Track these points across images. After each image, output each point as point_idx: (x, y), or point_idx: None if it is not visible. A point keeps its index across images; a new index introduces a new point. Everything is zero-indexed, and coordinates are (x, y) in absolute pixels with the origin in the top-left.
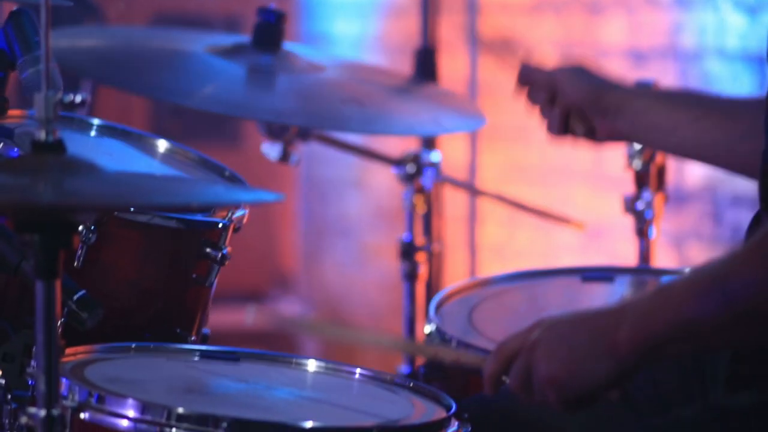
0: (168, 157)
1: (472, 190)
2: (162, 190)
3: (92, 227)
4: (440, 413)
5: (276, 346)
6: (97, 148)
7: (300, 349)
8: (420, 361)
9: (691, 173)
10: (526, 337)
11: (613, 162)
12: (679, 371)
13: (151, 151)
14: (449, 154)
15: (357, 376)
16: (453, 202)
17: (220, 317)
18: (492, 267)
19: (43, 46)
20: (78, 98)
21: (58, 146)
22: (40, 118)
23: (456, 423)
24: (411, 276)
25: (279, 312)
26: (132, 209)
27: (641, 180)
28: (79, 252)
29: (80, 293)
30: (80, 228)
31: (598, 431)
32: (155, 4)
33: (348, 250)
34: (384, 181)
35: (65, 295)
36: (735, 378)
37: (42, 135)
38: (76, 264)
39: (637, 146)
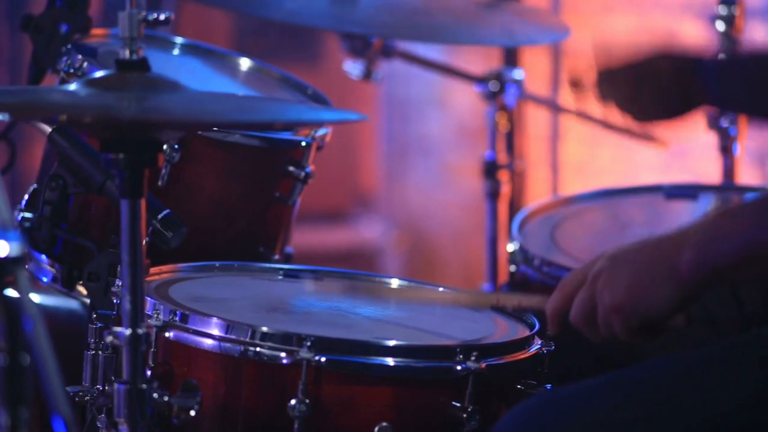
0: (251, 76)
1: (554, 107)
2: (245, 109)
3: (176, 146)
4: (523, 332)
5: (357, 266)
6: (180, 67)
7: (381, 269)
8: (503, 279)
9: None
10: (588, 269)
11: None
12: (764, 292)
13: (233, 69)
14: (532, 71)
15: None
16: (535, 120)
17: (302, 237)
18: (574, 185)
19: None
20: (162, 16)
21: (142, 65)
22: (123, 36)
23: (539, 341)
24: (494, 195)
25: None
26: (215, 128)
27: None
28: (163, 171)
29: (165, 212)
30: (164, 147)
31: (677, 347)
32: None
33: (429, 170)
34: (465, 99)
35: (150, 214)
36: None
37: (126, 53)
38: (160, 183)
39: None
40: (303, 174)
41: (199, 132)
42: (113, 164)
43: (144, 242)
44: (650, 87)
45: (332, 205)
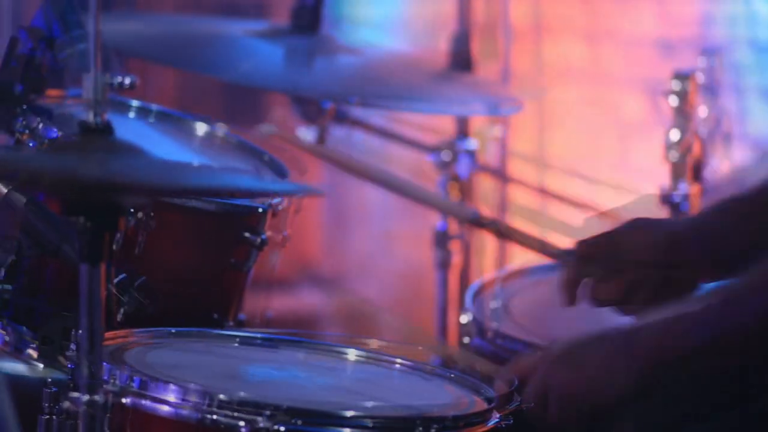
0: (206, 141)
1: (504, 178)
2: (208, 176)
3: (131, 210)
4: (481, 404)
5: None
6: (135, 130)
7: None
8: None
9: (724, 164)
10: (543, 353)
11: (640, 153)
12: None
13: (189, 133)
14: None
15: (397, 365)
16: (483, 190)
17: (246, 305)
18: (522, 257)
19: (92, 26)
20: (127, 80)
21: (106, 128)
22: (88, 99)
23: (498, 415)
24: (444, 265)
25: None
26: (178, 195)
27: (678, 172)
28: (118, 235)
29: (120, 277)
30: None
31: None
32: None
33: (370, 238)
34: (407, 166)
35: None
36: None
37: (90, 116)
38: (114, 247)
39: (674, 138)
40: (259, 240)
41: (159, 197)
42: (72, 228)
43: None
44: (629, 266)
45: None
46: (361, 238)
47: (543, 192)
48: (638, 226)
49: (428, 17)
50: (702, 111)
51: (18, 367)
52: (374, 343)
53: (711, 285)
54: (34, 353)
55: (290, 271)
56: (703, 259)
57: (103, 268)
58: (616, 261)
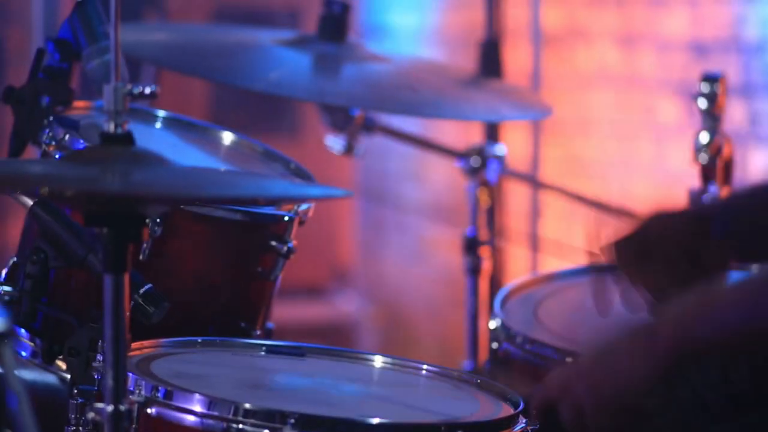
0: (232, 150)
1: (535, 183)
2: (229, 184)
3: (158, 220)
4: (507, 410)
5: (334, 341)
6: (162, 141)
7: (358, 344)
8: (484, 356)
9: (755, 166)
10: (570, 367)
11: (675, 157)
12: (753, 374)
13: (215, 143)
14: (511, 147)
15: (423, 372)
16: (514, 196)
17: (279, 312)
18: (553, 262)
19: (112, 37)
20: (147, 90)
21: (127, 138)
22: (108, 109)
23: (523, 420)
24: (474, 271)
25: None
26: (199, 203)
27: (708, 174)
28: (145, 245)
29: (146, 287)
30: (147, 221)
31: None
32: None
33: (406, 245)
34: (442, 174)
35: (131, 288)
36: None
37: (111, 127)
38: (141, 257)
39: (704, 140)
40: (285, 249)
41: (182, 206)
42: (97, 239)
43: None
44: (658, 257)
45: (310, 279)
46: (396, 244)
47: (577, 197)
48: (663, 218)
49: (461, 25)
50: (736, 112)
51: (46, 377)
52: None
53: (739, 273)
54: (62, 364)
55: (326, 279)
56: (730, 242)
57: (127, 279)
58: (646, 259)
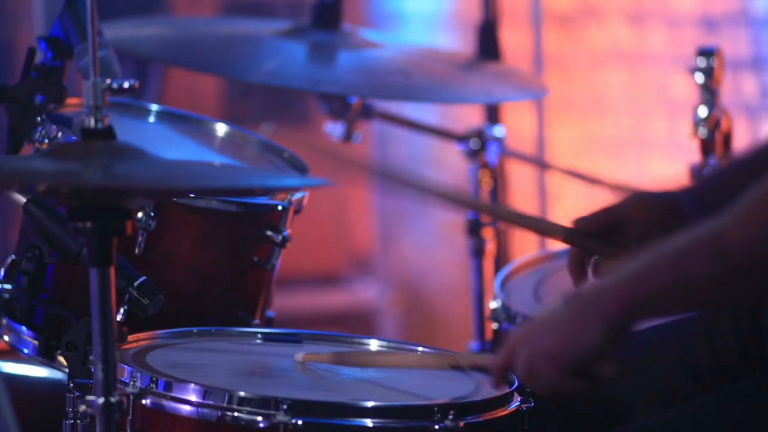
0: (226, 141)
1: (539, 164)
2: (210, 175)
3: (152, 213)
4: (502, 389)
5: (354, 328)
6: (155, 135)
7: (378, 330)
8: (488, 337)
9: (759, 138)
10: (526, 325)
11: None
12: (739, 339)
13: (209, 135)
14: (517, 128)
15: (419, 354)
16: (521, 176)
17: (298, 300)
18: (559, 243)
19: (89, 33)
20: (126, 84)
21: (108, 132)
22: (88, 104)
23: (518, 398)
24: (478, 253)
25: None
26: (179, 195)
27: (707, 147)
28: (140, 239)
29: (141, 280)
30: (140, 215)
31: (661, 403)
32: None
33: (424, 229)
34: (460, 158)
35: (126, 282)
36: None
37: (91, 122)
38: (137, 251)
39: (702, 114)
40: (280, 238)
41: (175, 199)
42: (81, 233)
43: (122, 310)
44: (631, 234)
45: (328, 267)
46: (415, 230)
47: (586, 177)
48: (639, 199)
49: (475, 10)
50: (747, 85)
51: (49, 373)
52: (374, 345)
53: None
54: (61, 359)
55: (345, 267)
56: (701, 221)
57: (113, 272)
58: (617, 236)
